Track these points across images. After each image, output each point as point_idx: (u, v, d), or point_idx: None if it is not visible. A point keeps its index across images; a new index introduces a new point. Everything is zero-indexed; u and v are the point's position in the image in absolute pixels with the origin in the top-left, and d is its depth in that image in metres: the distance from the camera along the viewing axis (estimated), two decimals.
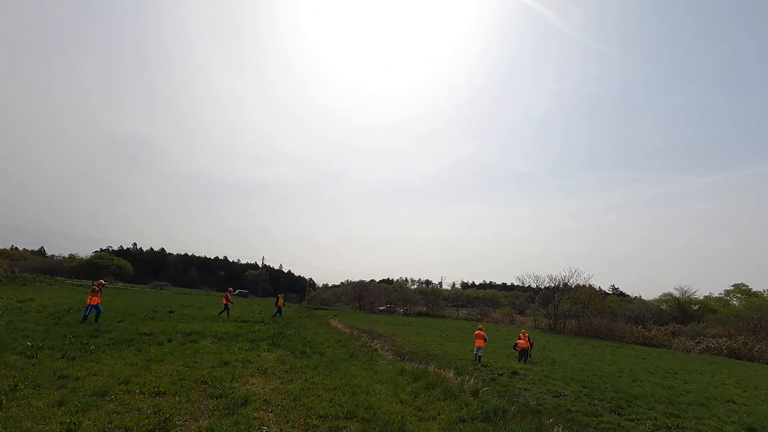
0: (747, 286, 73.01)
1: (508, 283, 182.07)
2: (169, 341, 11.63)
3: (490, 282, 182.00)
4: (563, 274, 48.05)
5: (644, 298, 77.70)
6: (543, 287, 50.39)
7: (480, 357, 17.50)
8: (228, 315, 22.63)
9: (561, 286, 46.82)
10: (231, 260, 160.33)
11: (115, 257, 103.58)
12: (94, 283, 19.20)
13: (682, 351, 32.36)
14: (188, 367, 8.62)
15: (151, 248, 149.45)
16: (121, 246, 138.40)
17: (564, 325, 44.80)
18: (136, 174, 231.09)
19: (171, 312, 21.21)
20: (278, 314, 24.23)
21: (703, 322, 53.73)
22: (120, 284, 69.04)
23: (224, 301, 23.40)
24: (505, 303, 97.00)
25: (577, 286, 46.04)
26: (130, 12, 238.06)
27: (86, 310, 15.00)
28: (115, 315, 17.48)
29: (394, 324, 37.48)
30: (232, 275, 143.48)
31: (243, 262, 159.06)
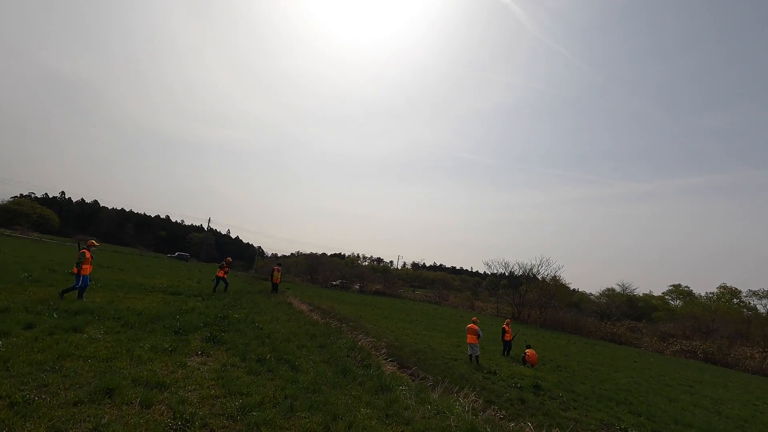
0: (685, 287, 76.41)
1: (458, 267, 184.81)
2: (30, 327, 6.70)
3: (441, 265, 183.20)
4: (533, 262, 46.03)
5: (581, 290, 79.24)
6: (509, 274, 48.32)
7: (477, 357, 13.89)
8: (226, 289, 18.04)
9: (530, 274, 44.89)
10: (174, 220, 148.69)
11: (38, 205, 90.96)
12: None
13: (652, 351, 31.13)
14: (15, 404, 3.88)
15: (82, 199, 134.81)
16: (46, 194, 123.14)
17: (528, 314, 43.04)
18: (76, 118, 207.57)
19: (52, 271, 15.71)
20: (274, 292, 19.35)
21: (652, 318, 54.78)
22: (35, 234, 59.58)
23: (220, 273, 18.30)
24: (461, 287, 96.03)
25: (552, 278, 44.26)
26: None
27: None
28: None
29: (354, 303, 33.52)
30: (175, 236, 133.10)
31: (187, 223, 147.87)
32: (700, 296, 71.06)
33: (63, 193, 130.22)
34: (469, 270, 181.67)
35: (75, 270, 10.49)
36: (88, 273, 10.65)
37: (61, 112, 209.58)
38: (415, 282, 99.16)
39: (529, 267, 45.47)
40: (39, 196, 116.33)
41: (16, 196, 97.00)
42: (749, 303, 62.52)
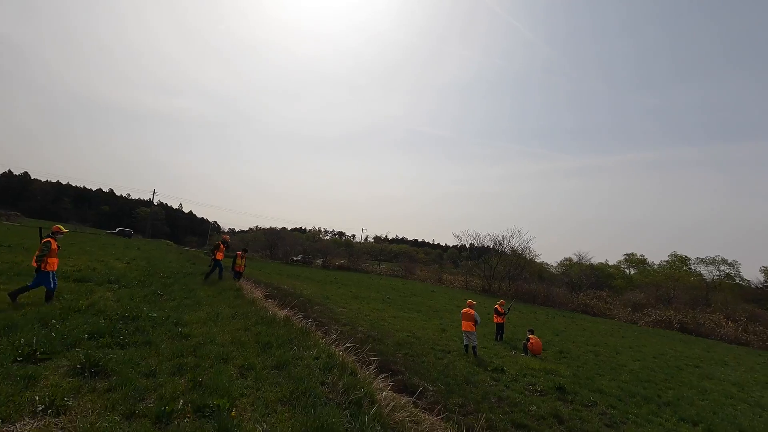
0: (640, 256, 79.20)
1: (420, 240, 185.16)
2: None
3: (403, 237, 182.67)
4: (504, 233, 44.64)
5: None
6: (480, 246, 46.82)
7: (474, 348, 11.44)
8: (220, 277, 15.33)
9: (501, 246, 43.50)
10: (119, 194, 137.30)
11: None
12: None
13: (626, 322, 30.56)
14: None
15: (9, 171, 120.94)
16: None
17: (499, 287, 41.86)
18: None
19: None
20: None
21: (613, 287, 55.73)
22: None
23: (219, 256, 15.46)
24: (425, 259, 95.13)
25: (523, 249, 42.98)
26: None
27: None
28: None
29: (319, 280, 30.57)
30: (120, 212, 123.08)
31: (134, 197, 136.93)
32: (653, 264, 73.93)
33: None
34: (431, 242, 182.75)
35: (35, 264, 7.88)
36: (54, 269, 8.14)
37: None
38: (380, 256, 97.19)
39: (500, 239, 44.04)
40: None
41: None
42: (696, 270, 65.38)
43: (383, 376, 7.03)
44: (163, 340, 5.96)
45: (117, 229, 60.08)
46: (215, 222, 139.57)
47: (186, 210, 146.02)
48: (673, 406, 8.84)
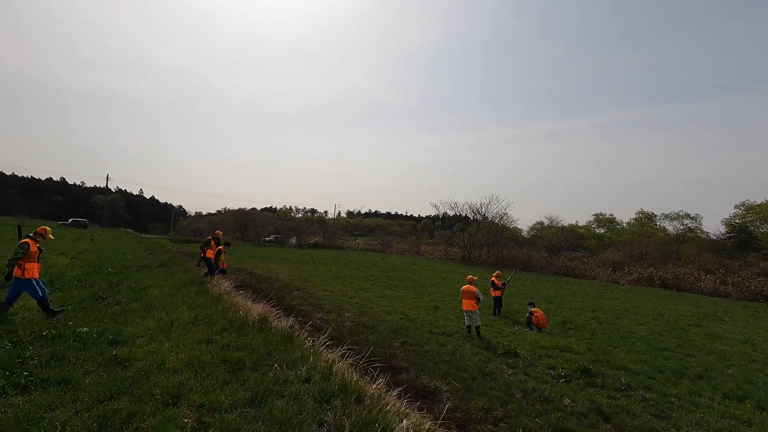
0: (609, 215, 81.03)
1: (392, 212, 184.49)
2: None
3: (376, 211, 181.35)
4: (482, 201, 43.91)
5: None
6: (456, 215, 45.98)
7: (478, 328, 10.26)
8: (210, 276, 12.41)
9: (479, 214, 42.75)
10: (72, 182, 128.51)
11: None
12: None
13: (607, 282, 30.61)
14: None
15: None
16: None
17: (478, 255, 41.40)
18: None
19: None
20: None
21: (587, 247, 56.67)
22: None
23: (209, 253, 12.91)
24: (400, 231, 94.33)
25: (502, 216, 42.35)
26: None
27: None
28: None
29: (294, 261, 28.87)
30: (74, 201, 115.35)
31: (90, 185, 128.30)
32: (622, 222, 75.86)
33: None
34: (405, 214, 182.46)
35: (17, 271, 6.63)
36: (36, 275, 6.83)
37: None
38: (355, 231, 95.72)
39: (478, 206, 43.26)
40: None
41: None
42: (663, 226, 67.50)
43: (382, 380, 5.65)
44: (88, 372, 4.28)
45: (70, 220, 55.49)
46: (180, 206, 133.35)
47: (147, 195, 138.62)
48: (707, 380, 7.94)
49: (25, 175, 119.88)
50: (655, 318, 15.24)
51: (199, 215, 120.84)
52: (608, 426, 5.61)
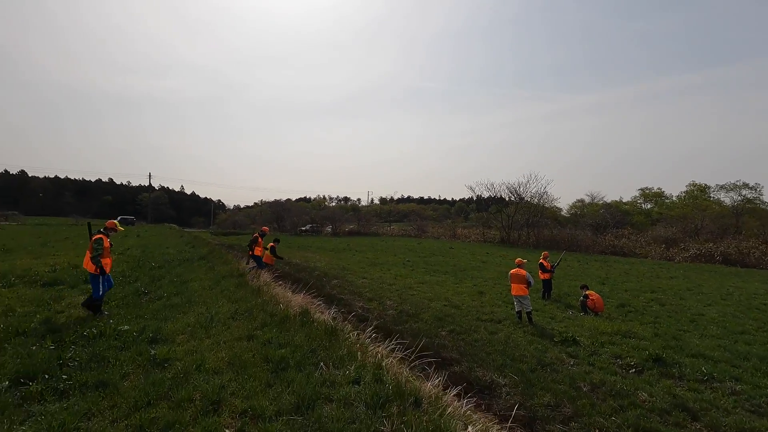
0: (657, 189, 76.11)
1: (425, 197, 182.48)
2: None
3: (409, 197, 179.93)
4: (520, 180, 42.20)
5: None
6: (496, 196, 44.52)
7: (529, 314, 9.58)
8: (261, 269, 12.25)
9: (517, 195, 41.17)
10: (119, 182, 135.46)
11: None
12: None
13: (661, 260, 28.68)
14: None
15: (6, 171, 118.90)
16: None
17: (518, 237, 40.01)
18: None
19: None
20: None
21: (634, 224, 53.55)
22: None
23: (257, 251, 12.83)
24: (435, 216, 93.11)
25: (542, 194, 40.56)
26: None
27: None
28: None
29: (331, 249, 28.85)
30: (122, 200, 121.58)
31: (135, 184, 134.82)
32: (671, 196, 71.15)
33: None
34: (438, 198, 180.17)
35: (91, 267, 6.76)
36: (108, 270, 7.08)
37: None
38: (389, 217, 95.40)
39: (515, 186, 41.63)
40: None
41: None
42: (717, 198, 62.68)
43: (438, 377, 5.17)
44: (127, 374, 4.06)
45: (119, 218, 58.45)
46: (219, 200, 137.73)
47: (188, 191, 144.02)
48: None
49: (76, 178, 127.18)
50: (724, 298, 13.92)
51: (237, 208, 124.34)
52: (698, 425, 4.91)
